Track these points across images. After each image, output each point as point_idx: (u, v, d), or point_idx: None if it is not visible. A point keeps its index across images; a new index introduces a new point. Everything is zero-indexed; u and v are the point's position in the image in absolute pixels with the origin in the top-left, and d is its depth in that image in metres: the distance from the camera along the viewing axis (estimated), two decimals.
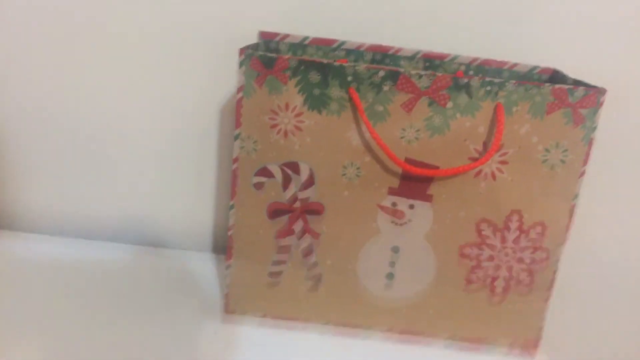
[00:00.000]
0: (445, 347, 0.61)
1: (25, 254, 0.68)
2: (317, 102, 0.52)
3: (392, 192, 0.55)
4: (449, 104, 0.52)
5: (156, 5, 0.65)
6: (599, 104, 0.53)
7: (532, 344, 0.61)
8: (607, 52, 0.67)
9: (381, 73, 0.51)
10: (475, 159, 0.54)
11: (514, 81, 0.52)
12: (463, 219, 0.56)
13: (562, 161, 0.54)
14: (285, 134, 0.54)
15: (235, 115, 0.54)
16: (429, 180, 0.54)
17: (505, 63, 0.62)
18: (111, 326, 0.57)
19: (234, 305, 0.60)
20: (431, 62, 0.62)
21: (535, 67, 0.62)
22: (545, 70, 0.63)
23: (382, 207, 0.56)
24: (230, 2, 0.65)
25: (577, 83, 0.56)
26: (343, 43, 0.62)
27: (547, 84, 0.52)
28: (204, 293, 0.64)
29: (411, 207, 0.55)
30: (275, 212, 0.56)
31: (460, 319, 0.60)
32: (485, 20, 0.66)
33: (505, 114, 0.52)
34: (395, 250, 0.57)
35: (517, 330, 0.60)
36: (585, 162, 0.54)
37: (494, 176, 0.54)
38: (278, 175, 0.55)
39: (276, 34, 0.62)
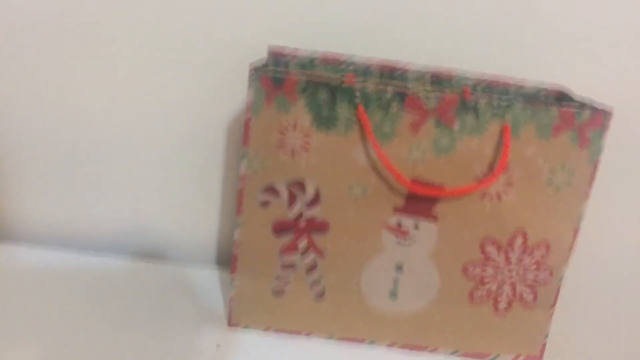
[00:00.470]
0: None
1: (36, 265, 0.69)
2: (324, 122, 0.53)
3: (397, 211, 0.55)
4: (456, 125, 0.52)
5: (165, 19, 0.66)
6: (605, 126, 0.53)
7: (535, 359, 0.61)
8: (614, 70, 0.67)
9: (389, 94, 0.51)
10: (480, 180, 0.54)
11: (520, 103, 0.52)
12: (467, 238, 0.56)
13: (568, 183, 0.54)
14: (293, 152, 0.54)
15: (243, 132, 0.54)
16: (434, 200, 0.55)
17: (512, 82, 0.63)
18: (113, 339, 0.58)
19: (237, 318, 0.61)
20: (439, 79, 0.63)
21: (541, 87, 0.63)
22: (551, 89, 0.63)
23: (387, 226, 0.56)
24: (239, 16, 0.65)
25: (584, 103, 0.57)
26: (351, 59, 0.62)
27: (554, 107, 0.52)
28: (207, 306, 0.65)
29: (416, 226, 0.56)
30: (280, 229, 0.57)
31: (463, 334, 0.60)
32: (493, 37, 0.66)
33: (511, 135, 0.53)
34: (399, 268, 0.58)
35: (520, 345, 0.61)
36: (590, 183, 0.55)
37: (499, 197, 0.55)
38: (284, 193, 0.55)
39: (285, 49, 0.62)
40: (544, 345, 0.61)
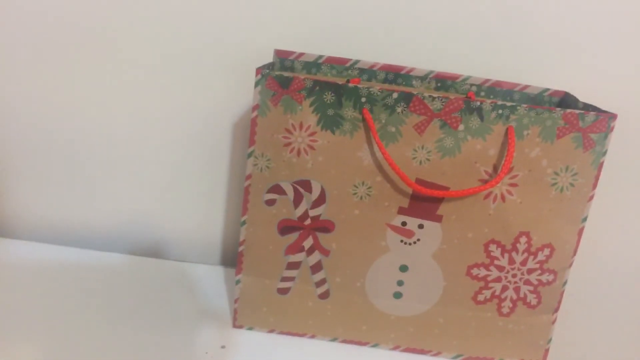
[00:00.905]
0: None
1: (46, 263, 0.69)
2: (330, 122, 0.53)
3: (402, 211, 0.56)
4: (461, 127, 0.53)
5: (173, 22, 0.66)
6: (609, 129, 0.53)
7: None
8: (618, 74, 0.68)
9: (395, 95, 0.52)
10: (485, 181, 0.54)
11: (525, 105, 0.52)
12: (472, 239, 0.56)
13: (572, 184, 0.55)
14: (298, 152, 0.54)
15: (250, 132, 0.54)
16: (438, 200, 0.55)
17: (516, 85, 0.63)
18: (117, 339, 0.58)
19: (242, 319, 0.61)
20: (443, 82, 0.63)
21: (545, 90, 0.63)
22: (555, 92, 0.63)
23: (391, 226, 0.56)
24: (246, 20, 0.66)
25: (588, 106, 0.57)
26: (357, 62, 0.63)
27: (559, 109, 0.52)
28: (212, 306, 0.65)
29: (420, 226, 0.56)
30: (285, 229, 0.57)
31: (467, 336, 0.60)
32: (497, 41, 0.67)
33: (516, 137, 0.53)
34: (404, 268, 0.58)
35: (523, 350, 0.61)
36: (594, 185, 0.55)
37: (503, 198, 0.55)
38: (290, 192, 0.56)
39: (291, 53, 0.63)
40: (547, 350, 0.61)
